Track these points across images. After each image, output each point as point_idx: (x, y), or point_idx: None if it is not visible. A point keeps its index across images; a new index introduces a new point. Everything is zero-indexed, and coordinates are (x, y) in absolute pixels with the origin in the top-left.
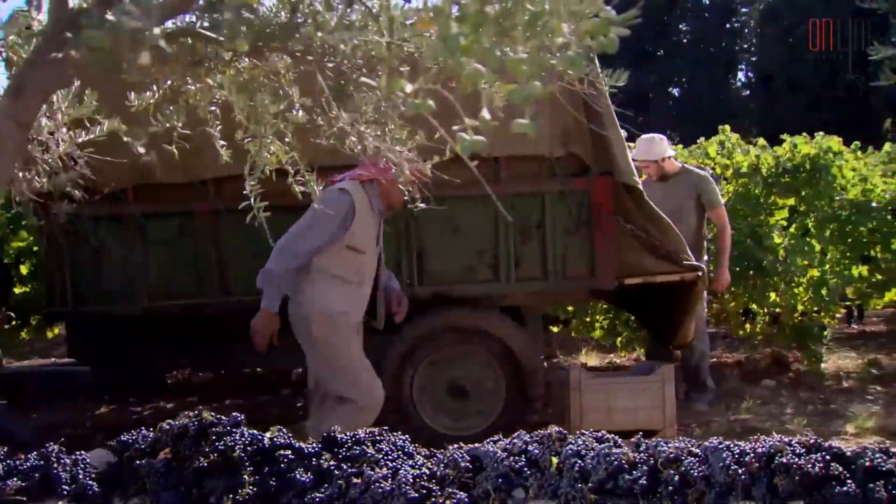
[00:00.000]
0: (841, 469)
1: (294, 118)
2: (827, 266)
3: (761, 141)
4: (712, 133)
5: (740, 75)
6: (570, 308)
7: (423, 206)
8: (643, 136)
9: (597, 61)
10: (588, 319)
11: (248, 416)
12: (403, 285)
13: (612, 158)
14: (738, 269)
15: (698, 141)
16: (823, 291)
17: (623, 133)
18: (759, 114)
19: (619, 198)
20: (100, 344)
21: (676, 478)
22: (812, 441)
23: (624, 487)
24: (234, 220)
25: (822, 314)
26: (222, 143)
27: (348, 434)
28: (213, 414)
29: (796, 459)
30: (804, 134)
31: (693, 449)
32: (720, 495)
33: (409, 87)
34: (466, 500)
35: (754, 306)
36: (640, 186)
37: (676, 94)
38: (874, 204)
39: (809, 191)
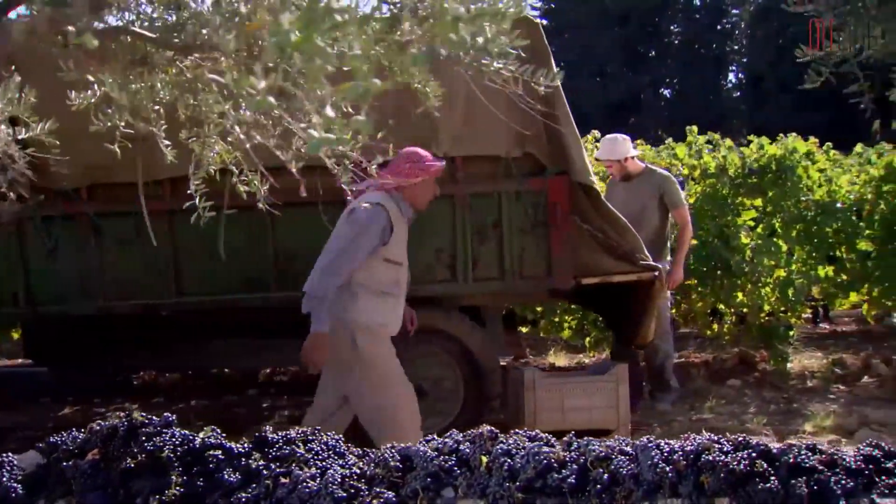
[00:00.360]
0: (766, 466)
1: (241, 117)
2: (793, 266)
3: (728, 142)
4: (703, 134)
5: (731, 76)
6: (538, 308)
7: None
8: (607, 136)
9: (552, 60)
10: (556, 320)
11: (214, 416)
12: None
13: (568, 158)
14: (705, 269)
15: (666, 141)
16: (790, 291)
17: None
18: (750, 114)
19: (575, 198)
20: (56, 344)
21: (606, 476)
22: (740, 439)
23: (552, 486)
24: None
25: (789, 314)
26: (167, 142)
27: (279, 434)
28: (143, 414)
29: (723, 457)
30: (780, 135)
31: (624, 448)
32: (648, 493)
33: (261, 85)
34: (394, 499)
35: (721, 306)
36: (597, 186)
37: (668, 95)
38: (839, 204)
39: (776, 191)
